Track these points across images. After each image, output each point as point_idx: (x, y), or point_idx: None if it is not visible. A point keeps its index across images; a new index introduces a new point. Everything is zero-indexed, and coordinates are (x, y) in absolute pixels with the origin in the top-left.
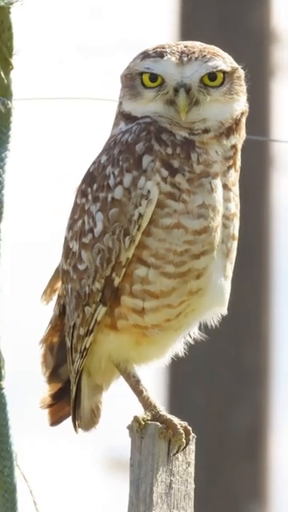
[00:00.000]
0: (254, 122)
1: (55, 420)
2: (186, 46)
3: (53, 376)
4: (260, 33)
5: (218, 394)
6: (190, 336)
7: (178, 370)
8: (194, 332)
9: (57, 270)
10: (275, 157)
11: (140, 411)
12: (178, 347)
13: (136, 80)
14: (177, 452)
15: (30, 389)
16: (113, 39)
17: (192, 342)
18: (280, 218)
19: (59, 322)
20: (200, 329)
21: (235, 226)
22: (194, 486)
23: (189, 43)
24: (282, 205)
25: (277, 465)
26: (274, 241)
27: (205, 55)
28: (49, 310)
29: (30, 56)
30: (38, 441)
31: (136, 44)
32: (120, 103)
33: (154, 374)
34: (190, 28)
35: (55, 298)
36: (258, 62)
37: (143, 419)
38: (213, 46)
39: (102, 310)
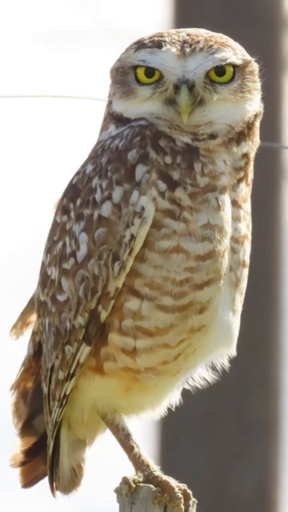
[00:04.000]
0: (262, 124)
1: (29, 481)
2: (188, 35)
3: (26, 428)
4: (269, 19)
5: (219, 451)
6: (191, 381)
7: (173, 422)
8: (200, 375)
9: (31, 301)
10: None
11: (130, 471)
12: (174, 395)
13: (129, 75)
14: None
15: None
16: (87, 24)
17: (195, 388)
18: None
19: (34, 364)
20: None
21: (246, 251)
22: None
23: (192, 31)
24: None
25: None
26: (284, 268)
27: (211, 45)
28: (21, 347)
29: None
30: (7, 507)
31: (118, 31)
32: (109, 103)
33: (143, 427)
34: (185, 12)
35: (28, 333)
36: (267, 53)
37: (134, 481)
38: (221, 35)
39: (85, 349)
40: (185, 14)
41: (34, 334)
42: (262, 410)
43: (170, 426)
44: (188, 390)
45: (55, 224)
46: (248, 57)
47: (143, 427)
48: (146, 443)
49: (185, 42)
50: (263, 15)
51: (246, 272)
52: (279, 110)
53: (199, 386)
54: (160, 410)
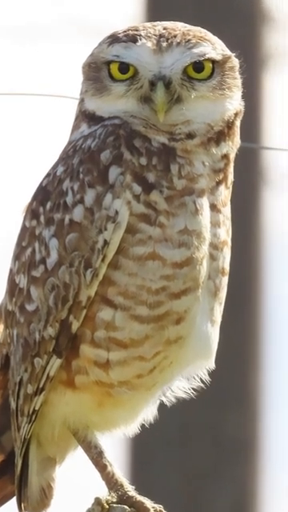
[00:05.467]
0: (240, 123)
1: None
2: (165, 29)
3: None
4: (249, 12)
5: (194, 470)
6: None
7: (145, 439)
8: (179, 387)
9: None
10: (266, 169)
11: (103, 491)
12: (149, 411)
13: (102, 71)
14: None
15: None
16: (55, 18)
17: (170, 402)
18: (273, 248)
19: (1, 378)
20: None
21: (225, 258)
22: None
23: (169, 24)
24: (276, 231)
25: None
26: (266, 278)
27: (189, 40)
28: None
29: None
30: None
31: (89, 24)
32: (81, 100)
33: (113, 444)
34: (160, 5)
35: None
36: (246, 48)
37: (107, 501)
38: (199, 29)
39: (55, 362)
40: (160, 7)
41: (1, 345)
42: (238, 427)
43: (143, 444)
44: (161, 405)
45: (24, 229)
46: (228, 52)
47: (114, 444)
48: (117, 461)
49: (161, 36)
50: (243, 8)
51: (225, 280)
52: (258, 109)
53: (173, 400)
54: (134, 426)
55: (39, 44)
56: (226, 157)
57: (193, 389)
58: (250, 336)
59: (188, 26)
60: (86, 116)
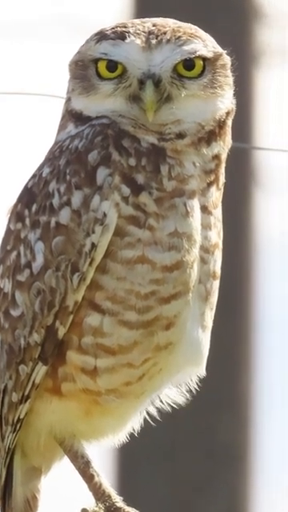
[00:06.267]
0: (232, 123)
1: None
2: (154, 25)
3: None
4: (241, 8)
5: (184, 479)
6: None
7: (132, 447)
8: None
9: None
10: (258, 170)
11: (90, 502)
12: (137, 419)
13: (89, 69)
14: None
15: None
16: (41, 14)
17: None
18: (265, 251)
19: None
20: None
21: (216, 261)
22: None
23: (158, 21)
24: (268, 234)
25: None
26: (257, 281)
27: (179, 37)
28: None
29: None
30: None
31: (76, 21)
32: (68, 99)
33: (100, 452)
34: (148, 1)
35: None
36: (238, 45)
37: None
38: (190, 25)
39: (41, 369)
40: (150, 3)
41: None
42: (229, 437)
43: (130, 452)
44: (149, 413)
45: (9, 232)
46: (219, 49)
47: (100, 454)
48: (104, 471)
49: (150, 32)
50: (234, 4)
51: (216, 284)
52: (250, 107)
53: (162, 409)
54: (122, 435)
55: (26, 42)
56: (217, 157)
57: (183, 395)
58: (242, 341)
59: (178, 23)
60: (72, 116)
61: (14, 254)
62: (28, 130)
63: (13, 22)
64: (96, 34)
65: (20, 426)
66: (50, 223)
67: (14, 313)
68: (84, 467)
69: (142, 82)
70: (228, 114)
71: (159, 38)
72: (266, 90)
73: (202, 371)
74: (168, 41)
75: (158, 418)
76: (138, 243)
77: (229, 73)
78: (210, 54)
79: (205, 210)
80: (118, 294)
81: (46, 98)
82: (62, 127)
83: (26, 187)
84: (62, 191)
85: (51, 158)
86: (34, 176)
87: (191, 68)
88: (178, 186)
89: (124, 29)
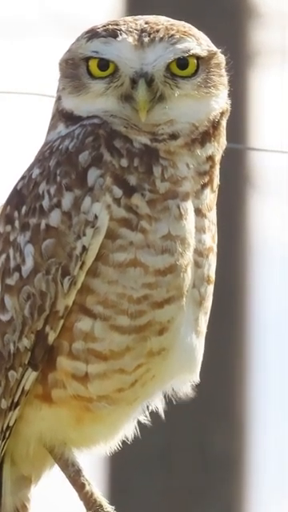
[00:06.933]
0: (226, 123)
1: None
2: (147, 23)
3: None
4: (234, 6)
5: (177, 488)
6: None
7: (124, 456)
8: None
9: None
10: (253, 172)
11: (81, 511)
12: (129, 427)
13: (80, 67)
14: None
15: None
16: (31, 12)
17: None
18: (260, 254)
19: None
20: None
21: (211, 265)
22: None
23: (151, 19)
24: (263, 236)
25: None
26: (253, 286)
27: (173, 35)
28: None
29: None
30: None
31: (66, 18)
32: (58, 99)
33: (91, 461)
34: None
35: None
36: (232, 44)
37: None
38: (183, 23)
39: (31, 375)
40: (141, 0)
41: None
42: (224, 445)
43: (122, 461)
44: (143, 421)
45: None
46: (213, 48)
47: (92, 462)
48: (95, 480)
49: (143, 30)
50: (228, 3)
51: (210, 289)
52: (244, 107)
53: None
54: (114, 443)
55: (26, 42)
56: (211, 158)
57: (177, 401)
58: (237, 346)
59: (171, 21)
60: (63, 115)
61: (3, 257)
62: (28, 130)
63: (13, 21)
64: (87, 32)
65: (9, 434)
66: (39, 225)
67: (4, 317)
68: (74, 476)
69: (134, 81)
70: (222, 114)
71: (152, 36)
72: (261, 90)
73: (195, 378)
74: (161, 39)
75: (151, 426)
76: (130, 246)
77: (223, 72)
78: (203, 53)
79: (199, 212)
80: (110, 298)
81: (46, 97)
82: (52, 127)
83: (15, 189)
84: (52, 193)
85: (41, 158)
86: (23, 177)
87: (185, 67)
88: (171, 188)
89: (116, 26)
